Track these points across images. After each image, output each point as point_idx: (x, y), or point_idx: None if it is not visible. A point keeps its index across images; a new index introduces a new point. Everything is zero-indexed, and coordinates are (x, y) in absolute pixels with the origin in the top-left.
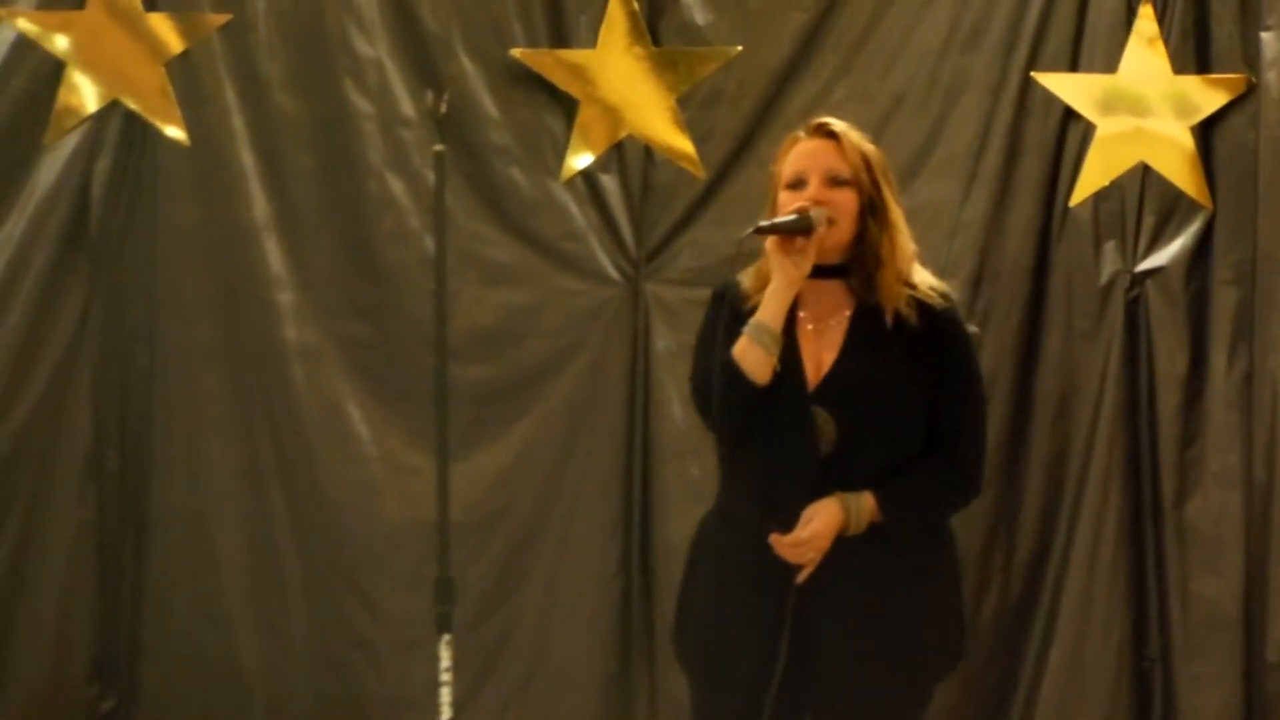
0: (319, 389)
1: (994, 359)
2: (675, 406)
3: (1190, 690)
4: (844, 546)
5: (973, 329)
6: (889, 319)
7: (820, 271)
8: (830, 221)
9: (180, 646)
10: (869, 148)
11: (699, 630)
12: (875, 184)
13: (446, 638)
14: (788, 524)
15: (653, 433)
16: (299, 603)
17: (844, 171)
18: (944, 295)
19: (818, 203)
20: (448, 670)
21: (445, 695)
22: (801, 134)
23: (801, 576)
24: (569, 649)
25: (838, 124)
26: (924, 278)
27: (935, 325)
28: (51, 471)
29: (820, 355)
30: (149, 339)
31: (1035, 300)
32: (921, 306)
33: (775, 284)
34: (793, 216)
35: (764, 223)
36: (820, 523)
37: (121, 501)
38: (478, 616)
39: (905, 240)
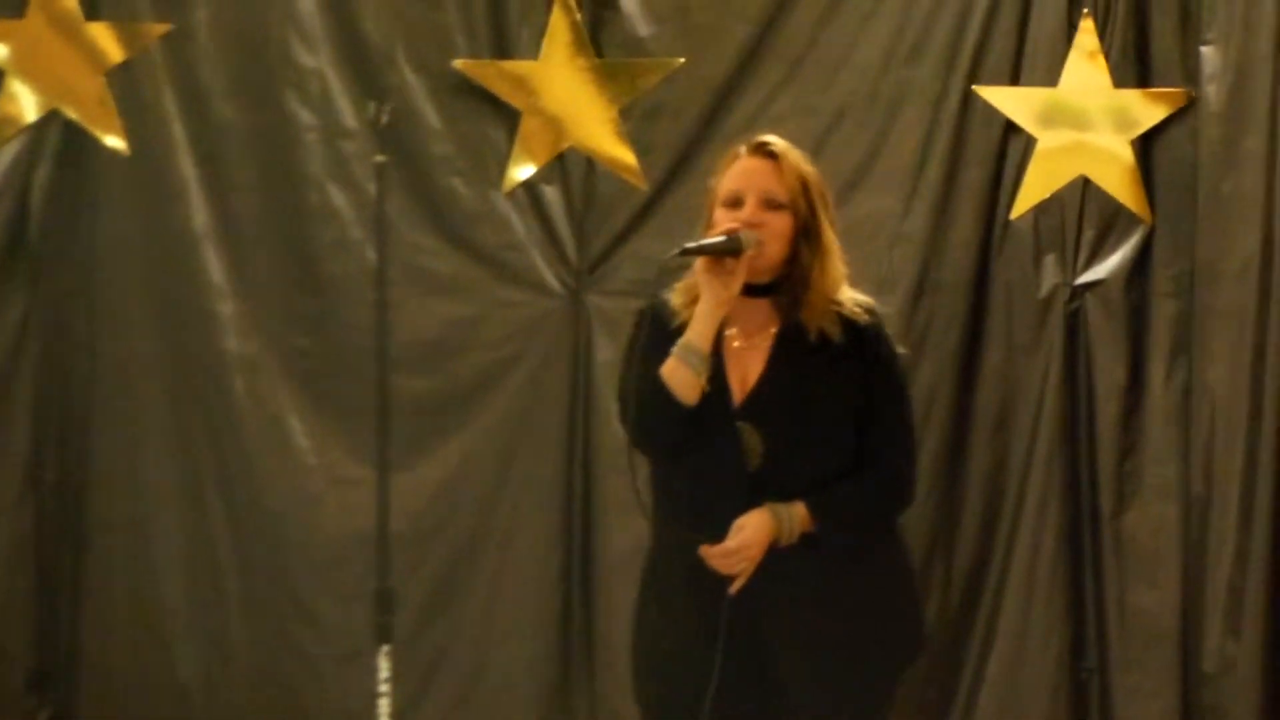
0: (259, 400)
1: (934, 371)
2: (617, 418)
3: (1127, 701)
4: (780, 556)
5: (902, 350)
6: (813, 336)
7: (749, 290)
8: (761, 244)
9: (119, 658)
10: (808, 169)
11: (644, 654)
12: (811, 207)
13: (386, 648)
14: (718, 539)
15: (594, 444)
16: (238, 614)
17: (780, 194)
18: (869, 310)
19: (751, 225)
20: (387, 681)
21: (384, 706)
22: (742, 151)
23: (735, 587)
24: (510, 659)
25: (779, 144)
26: (850, 295)
27: (860, 340)
28: None
29: (746, 372)
30: (89, 349)
31: (975, 312)
32: (846, 323)
33: (704, 305)
34: (721, 238)
35: (691, 244)
36: (750, 532)
37: (60, 512)
38: (418, 627)
39: (836, 263)
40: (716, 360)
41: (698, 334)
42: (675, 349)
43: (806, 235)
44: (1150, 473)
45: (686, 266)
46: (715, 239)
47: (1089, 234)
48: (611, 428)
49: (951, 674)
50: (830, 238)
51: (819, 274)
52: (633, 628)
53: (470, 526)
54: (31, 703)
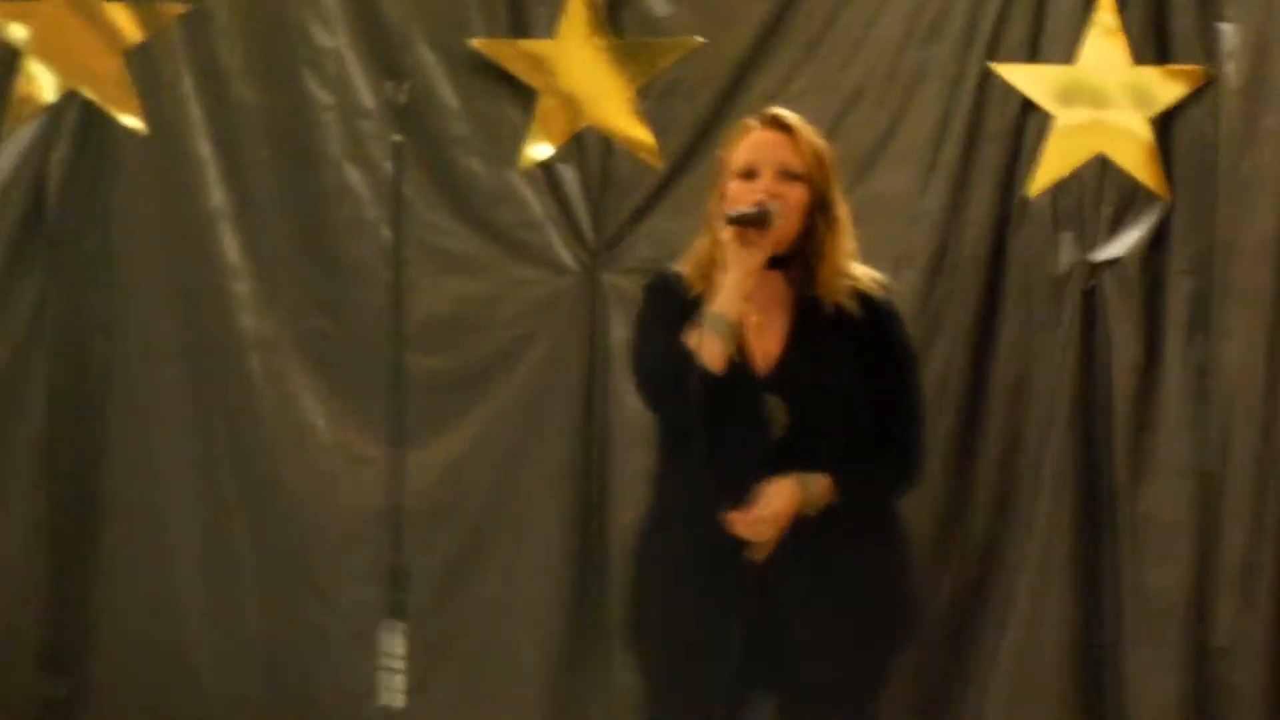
0: (275, 379)
1: (950, 348)
2: (631, 396)
3: (1141, 677)
4: (796, 528)
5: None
6: (830, 310)
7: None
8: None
9: (133, 638)
10: (821, 144)
11: (655, 626)
12: (825, 181)
13: (400, 626)
14: (739, 506)
15: (609, 422)
16: (253, 593)
17: (797, 166)
18: (883, 286)
19: (771, 196)
20: (401, 658)
21: (398, 683)
22: (754, 123)
23: (758, 555)
24: (523, 638)
25: (791, 117)
26: (863, 270)
27: (877, 315)
28: (5, 463)
29: (766, 345)
30: (105, 329)
31: (992, 290)
32: (861, 297)
33: (733, 275)
34: (754, 209)
35: (732, 213)
36: (779, 500)
37: (75, 492)
38: (432, 605)
39: (848, 239)
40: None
41: (727, 303)
42: (704, 318)
43: (821, 208)
44: (1165, 450)
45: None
46: (750, 209)
47: (1107, 212)
48: (627, 405)
49: (964, 651)
50: (843, 211)
51: (832, 247)
52: (630, 600)
53: (484, 504)
54: (45, 683)
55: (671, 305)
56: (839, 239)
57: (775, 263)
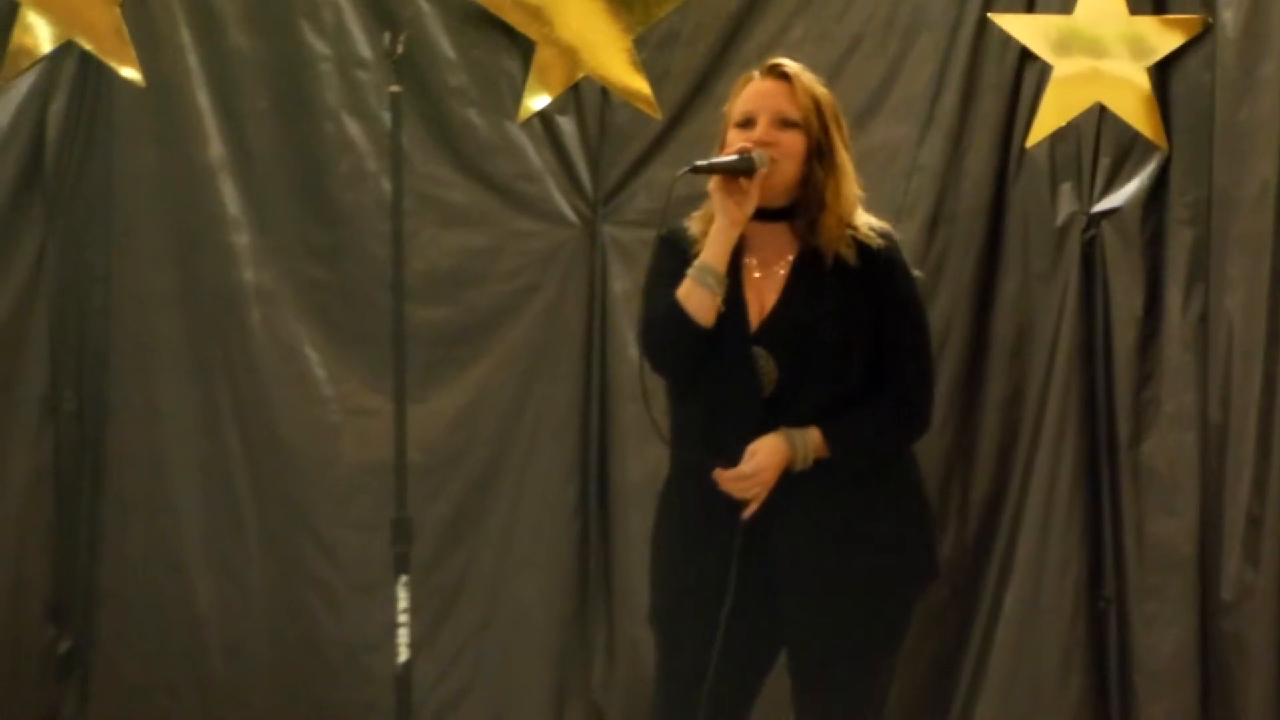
0: (276, 331)
1: (950, 300)
2: (632, 348)
3: (1146, 629)
4: (794, 482)
5: (917, 274)
6: (829, 261)
7: (765, 215)
8: (774, 163)
9: (137, 589)
10: (821, 91)
11: (659, 578)
12: (824, 128)
13: (404, 578)
14: (732, 463)
15: (610, 374)
16: (256, 545)
17: (793, 113)
18: (884, 235)
19: (764, 144)
20: (405, 611)
21: (403, 636)
22: (755, 74)
23: (747, 512)
24: (527, 590)
25: (791, 65)
26: (865, 219)
27: (875, 265)
28: (7, 414)
29: (763, 298)
30: (105, 281)
31: (991, 241)
32: (861, 247)
33: (718, 224)
34: (734, 157)
35: (701, 162)
36: (764, 456)
37: (78, 444)
38: (435, 558)
39: (851, 186)
40: (735, 287)
41: (713, 254)
42: (691, 270)
43: (820, 155)
44: (1168, 401)
45: (700, 196)
46: (727, 158)
47: (1105, 162)
48: (627, 357)
49: (969, 603)
50: (844, 159)
51: (833, 195)
52: (650, 552)
53: (487, 456)
54: (50, 634)
55: (677, 260)
56: (841, 186)
57: (779, 214)
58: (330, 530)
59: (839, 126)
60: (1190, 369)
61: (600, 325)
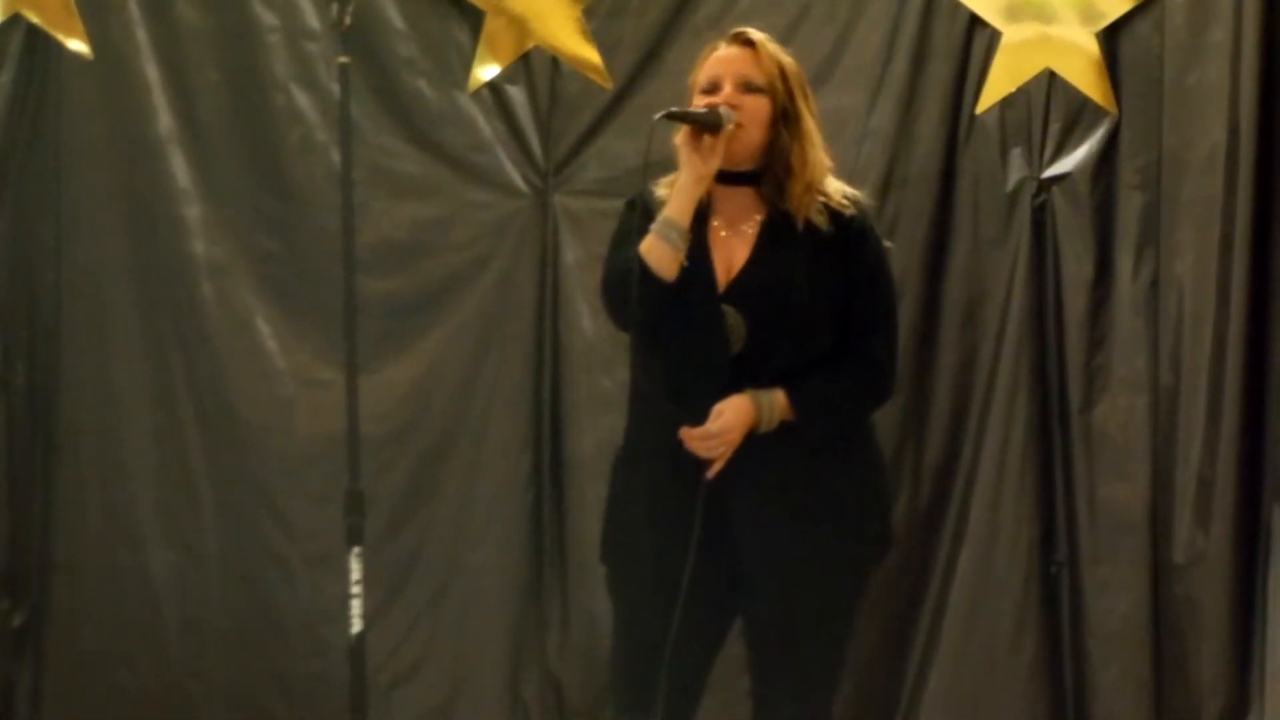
0: (228, 304)
1: (902, 266)
2: (585, 318)
3: (1098, 593)
4: (758, 443)
5: (888, 244)
6: (799, 225)
7: (732, 178)
8: (739, 125)
9: (92, 562)
10: (787, 60)
11: (618, 539)
12: (790, 94)
13: (357, 550)
14: (699, 422)
15: (562, 344)
16: (210, 518)
17: (758, 78)
18: (857, 204)
19: (730, 106)
20: (358, 583)
21: (356, 607)
22: (720, 43)
23: (711, 471)
24: (481, 561)
25: (756, 34)
26: (839, 186)
27: (846, 231)
28: None
29: (731, 258)
30: (55, 255)
31: (942, 207)
32: (833, 214)
33: (682, 180)
34: (704, 109)
35: (675, 109)
36: (730, 416)
37: (30, 418)
38: (390, 529)
39: (818, 152)
40: (702, 247)
41: (675, 209)
42: (654, 225)
43: (786, 120)
44: (1119, 365)
45: (665, 165)
46: (698, 109)
47: (1055, 127)
48: (580, 327)
49: (922, 569)
50: (811, 126)
51: (800, 161)
52: (605, 510)
53: (440, 427)
54: (4, 606)
55: (644, 221)
56: (807, 152)
57: (745, 178)
58: (285, 502)
59: (805, 95)
60: (1141, 333)
61: (553, 295)
